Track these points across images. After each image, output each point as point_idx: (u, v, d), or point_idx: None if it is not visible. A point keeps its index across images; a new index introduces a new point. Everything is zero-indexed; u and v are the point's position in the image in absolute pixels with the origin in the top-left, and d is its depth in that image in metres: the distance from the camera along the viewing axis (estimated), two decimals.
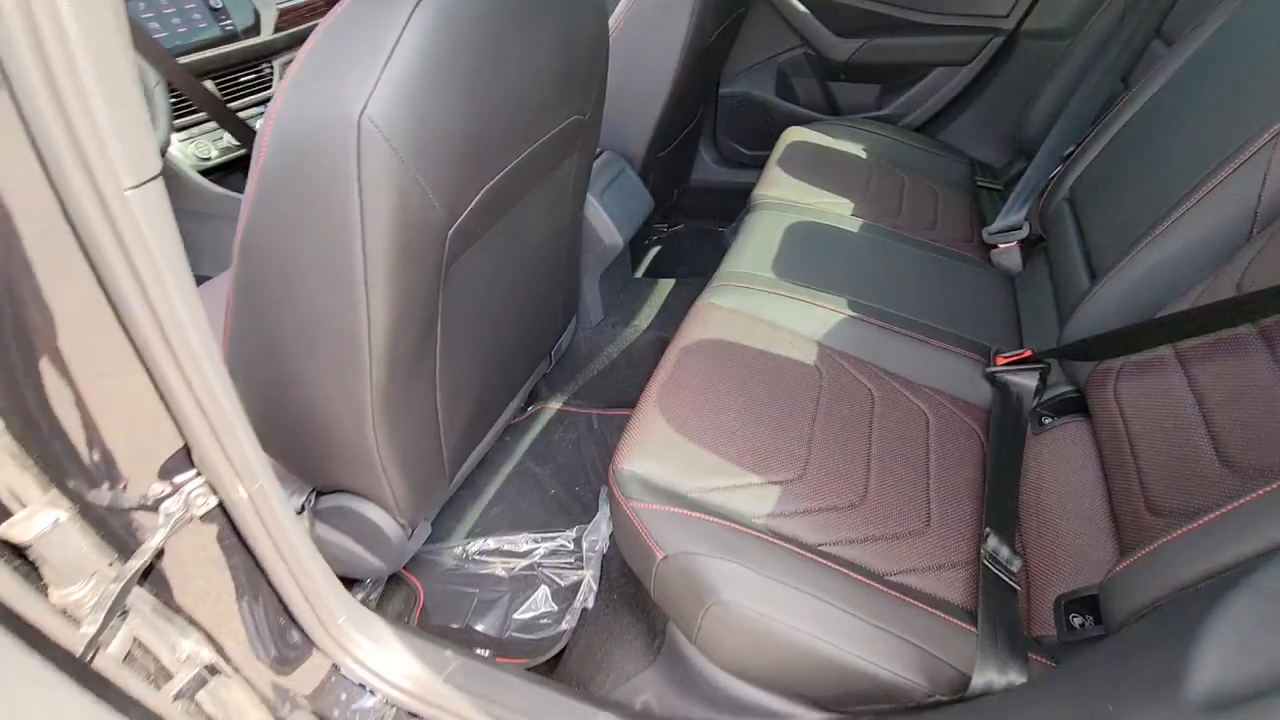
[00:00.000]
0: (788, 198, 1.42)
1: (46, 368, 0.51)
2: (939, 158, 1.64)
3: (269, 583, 0.75)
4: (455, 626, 1.10)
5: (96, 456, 0.56)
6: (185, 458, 0.61)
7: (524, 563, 1.17)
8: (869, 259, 1.26)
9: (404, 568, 1.16)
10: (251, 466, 0.62)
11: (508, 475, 1.34)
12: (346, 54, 0.58)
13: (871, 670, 0.66)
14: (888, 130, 1.70)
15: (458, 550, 1.18)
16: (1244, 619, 0.42)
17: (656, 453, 0.84)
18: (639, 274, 1.86)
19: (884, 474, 0.87)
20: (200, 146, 1.55)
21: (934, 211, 1.44)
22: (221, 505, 0.65)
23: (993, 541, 0.78)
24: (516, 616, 1.10)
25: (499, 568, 1.17)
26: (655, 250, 2.05)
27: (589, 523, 1.20)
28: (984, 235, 1.34)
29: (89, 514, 0.57)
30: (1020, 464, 0.91)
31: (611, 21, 1.37)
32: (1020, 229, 1.27)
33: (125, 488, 0.59)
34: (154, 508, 0.61)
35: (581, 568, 1.14)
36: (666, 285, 1.64)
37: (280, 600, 0.77)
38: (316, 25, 0.61)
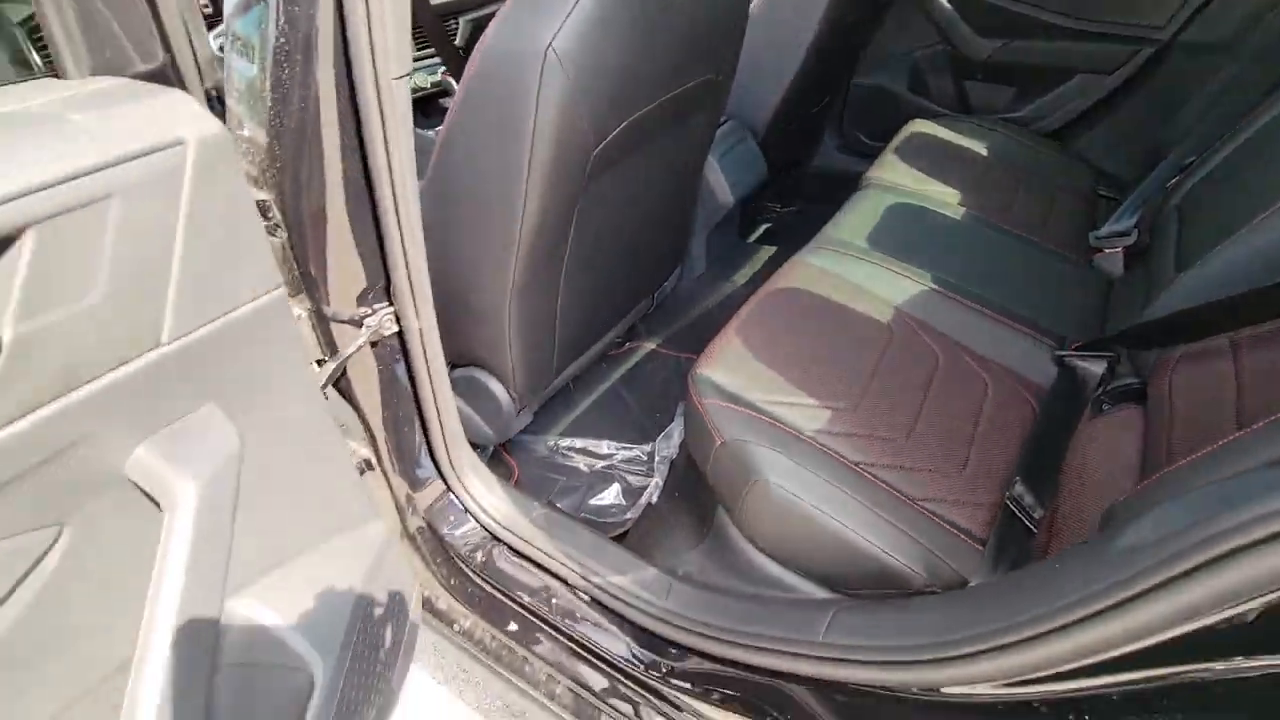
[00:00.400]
0: (898, 182, 1.50)
1: (315, 216, 0.73)
2: (1064, 165, 1.64)
3: (419, 411, 0.97)
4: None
5: (330, 278, 0.79)
6: (384, 291, 0.83)
7: (603, 463, 1.36)
8: (964, 243, 1.32)
9: (504, 449, 1.38)
10: (427, 306, 0.84)
11: (600, 394, 1.53)
12: (542, 2, 0.76)
13: (881, 556, 0.78)
14: (1016, 133, 1.72)
15: (550, 443, 1.39)
16: (1186, 505, 0.51)
17: (730, 366, 0.99)
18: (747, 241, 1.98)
19: (932, 420, 0.96)
20: None
21: (1045, 214, 1.46)
22: (401, 335, 0.87)
23: (1020, 488, 0.86)
24: (591, 502, 1.29)
25: (581, 463, 1.36)
26: (767, 225, 2.16)
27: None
28: (1090, 239, 1.36)
29: (318, 316, 0.80)
30: (1069, 438, 0.97)
31: (755, 2, 1.50)
32: (1128, 235, 1.29)
33: (343, 303, 0.81)
34: (359, 323, 0.83)
35: (651, 475, 1.31)
36: (769, 251, 1.76)
37: (423, 427, 0.99)
38: None
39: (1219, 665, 0.43)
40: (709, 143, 1.28)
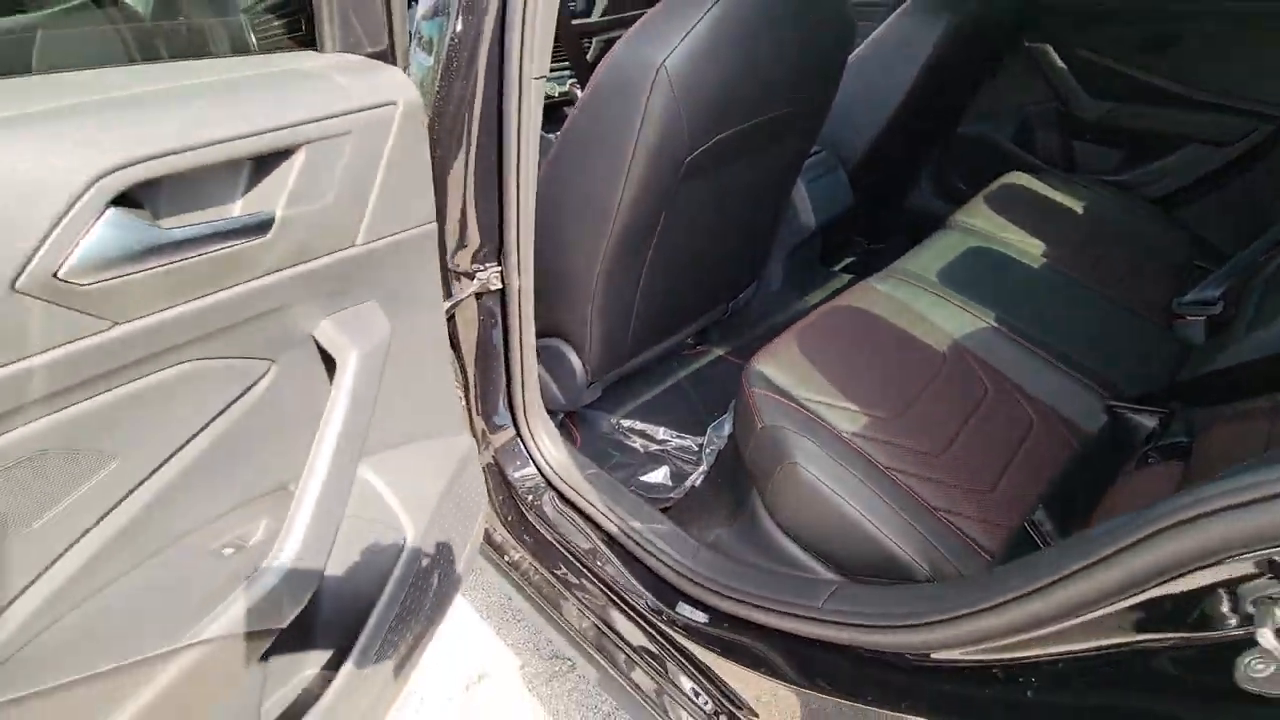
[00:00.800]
0: (982, 226, 1.54)
1: (454, 183, 0.90)
2: (1163, 232, 1.62)
3: (506, 363, 1.12)
4: None
5: (455, 235, 0.95)
6: (495, 253, 0.99)
7: (657, 446, 1.48)
8: (1036, 290, 1.35)
9: (572, 420, 1.52)
10: (528, 271, 0.99)
11: (666, 387, 1.65)
12: (663, 27, 0.91)
13: (890, 547, 0.85)
14: (1117, 195, 1.71)
15: (613, 420, 1.52)
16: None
17: (783, 364, 1.08)
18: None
19: (969, 444, 1.02)
20: None
21: (1131, 276, 1.46)
22: (503, 294, 1.03)
23: (1041, 514, 0.91)
24: (640, 478, 1.40)
25: (638, 443, 1.49)
26: (852, 259, 2.22)
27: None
28: (1174, 304, 1.35)
29: (442, 265, 0.97)
30: (1108, 483, 1.00)
31: (863, 43, 1.60)
32: (1213, 305, 1.28)
33: (461, 258, 0.98)
34: (471, 276, 1.00)
35: (700, 463, 1.41)
36: (847, 279, 1.83)
37: (507, 378, 1.15)
38: (633, 14, 0.95)
39: (1142, 638, 0.49)
40: (797, 168, 1.38)
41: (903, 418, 1.03)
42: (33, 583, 0.51)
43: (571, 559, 1.12)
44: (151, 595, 0.59)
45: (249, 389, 0.62)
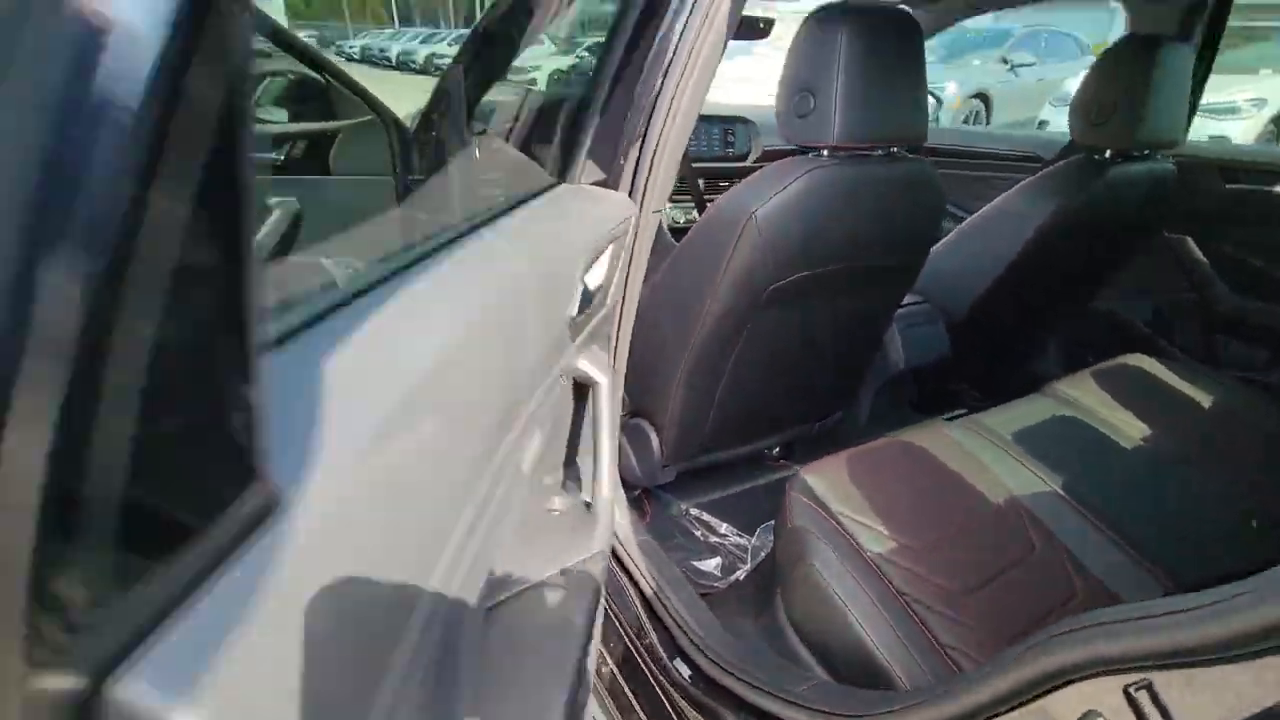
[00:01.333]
0: (1080, 398, 1.54)
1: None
2: None
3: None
4: None
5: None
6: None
7: (716, 539, 1.59)
8: (1119, 469, 1.32)
9: (646, 495, 1.68)
10: (623, 360, 1.22)
11: (742, 490, 1.77)
12: (764, 183, 1.15)
13: (885, 668, 0.91)
14: (1253, 393, 1.61)
15: (684, 506, 1.66)
16: None
17: (828, 479, 1.19)
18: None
19: (999, 594, 1.04)
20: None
21: (1243, 475, 1.37)
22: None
23: None
24: (692, 563, 1.52)
25: (700, 532, 1.61)
26: (962, 412, 2.22)
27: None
28: None
29: None
30: None
31: (983, 208, 1.74)
32: None
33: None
34: None
35: (748, 561, 1.50)
36: (935, 422, 1.85)
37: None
38: (752, 166, 1.21)
39: None
40: (884, 315, 1.52)
41: (934, 552, 1.08)
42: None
43: (609, 606, 1.26)
44: (526, 535, 0.87)
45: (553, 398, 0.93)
